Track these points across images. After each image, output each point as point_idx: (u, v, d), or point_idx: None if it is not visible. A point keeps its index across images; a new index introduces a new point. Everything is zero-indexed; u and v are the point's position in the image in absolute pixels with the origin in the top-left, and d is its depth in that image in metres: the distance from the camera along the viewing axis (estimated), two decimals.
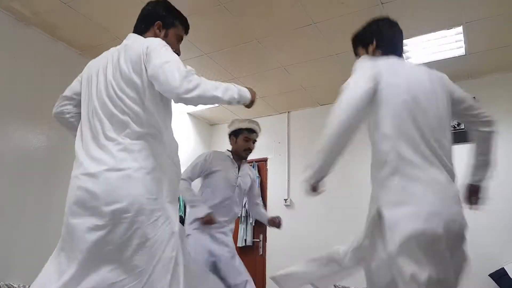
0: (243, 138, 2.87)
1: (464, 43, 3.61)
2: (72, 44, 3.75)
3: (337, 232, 4.50)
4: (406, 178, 1.49)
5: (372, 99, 1.59)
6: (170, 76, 1.44)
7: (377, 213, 1.55)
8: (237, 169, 2.90)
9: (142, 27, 1.78)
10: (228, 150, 2.99)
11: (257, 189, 3.11)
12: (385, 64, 1.67)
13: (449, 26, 3.40)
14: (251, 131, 2.90)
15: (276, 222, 2.89)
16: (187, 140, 5.34)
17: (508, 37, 3.49)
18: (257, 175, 5.17)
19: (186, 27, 1.88)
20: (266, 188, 5.13)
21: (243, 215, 5.00)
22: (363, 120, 1.65)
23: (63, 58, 3.72)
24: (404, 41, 3.75)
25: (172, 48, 1.61)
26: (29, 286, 2.91)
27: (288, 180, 4.98)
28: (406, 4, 3.10)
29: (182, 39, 1.88)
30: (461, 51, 3.74)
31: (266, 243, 4.92)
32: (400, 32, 1.87)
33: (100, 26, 3.46)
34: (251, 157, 5.41)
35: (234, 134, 2.91)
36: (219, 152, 2.95)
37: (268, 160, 5.26)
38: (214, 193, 2.74)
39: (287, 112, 5.29)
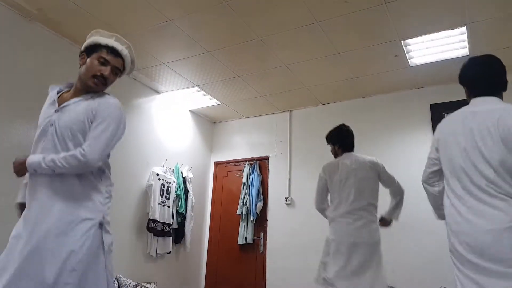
0: (96, 58, 1.77)
1: (468, 44, 3.60)
2: (76, 40, 3.76)
3: None
4: None
5: None
6: None
7: None
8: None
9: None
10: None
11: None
12: None
13: (453, 26, 3.38)
14: (114, 52, 1.80)
15: None
16: (189, 138, 5.35)
17: None
18: (259, 173, 5.18)
19: None
20: (267, 186, 5.13)
21: (243, 213, 5.01)
22: None
23: (67, 54, 3.72)
24: (408, 41, 3.77)
25: None
26: None
27: (289, 179, 4.98)
28: (409, 4, 3.09)
29: None
30: (465, 52, 3.73)
31: (267, 241, 4.92)
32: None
33: (104, 22, 3.46)
34: (252, 155, 5.47)
35: (87, 52, 1.81)
36: None
37: (269, 158, 5.26)
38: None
39: (289, 111, 5.29)
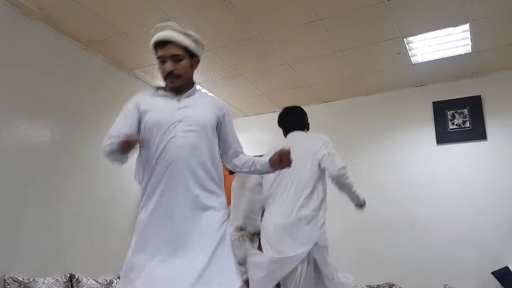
0: (158, 60, 1.76)
1: (471, 41, 3.58)
2: (77, 39, 3.76)
3: (338, 229, 4.50)
4: None
5: None
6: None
7: None
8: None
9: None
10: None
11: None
12: None
13: (455, 24, 3.37)
14: (161, 43, 1.71)
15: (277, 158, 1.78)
16: None
17: None
18: None
19: None
20: None
21: None
22: None
23: (68, 53, 3.73)
24: (410, 39, 3.76)
25: None
26: (33, 279, 2.95)
27: None
28: (412, 1, 3.08)
29: None
30: (468, 49, 3.71)
31: None
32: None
33: (105, 21, 3.46)
34: (254, 153, 5.45)
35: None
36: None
37: None
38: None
39: None
